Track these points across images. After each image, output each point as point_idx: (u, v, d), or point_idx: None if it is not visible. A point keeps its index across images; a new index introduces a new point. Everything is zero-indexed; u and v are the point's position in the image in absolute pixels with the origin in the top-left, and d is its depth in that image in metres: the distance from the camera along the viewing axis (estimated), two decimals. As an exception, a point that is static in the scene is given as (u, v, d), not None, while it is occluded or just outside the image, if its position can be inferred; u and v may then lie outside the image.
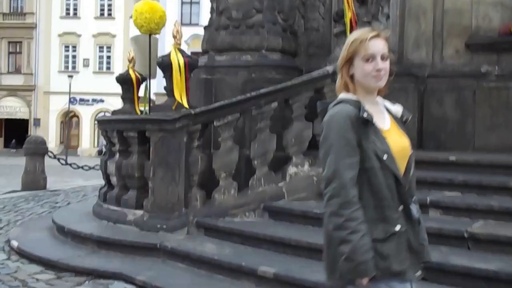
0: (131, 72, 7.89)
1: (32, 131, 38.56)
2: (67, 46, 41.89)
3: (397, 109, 2.42)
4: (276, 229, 5.48)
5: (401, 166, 2.27)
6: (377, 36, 2.27)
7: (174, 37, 6.07)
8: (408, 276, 2.23)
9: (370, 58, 2.24)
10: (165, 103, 6.27)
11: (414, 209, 2.29)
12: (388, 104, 2.41)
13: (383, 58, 2.26)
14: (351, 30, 6.02)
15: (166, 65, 6.04)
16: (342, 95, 2.31)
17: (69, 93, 35.49)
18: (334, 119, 2.22)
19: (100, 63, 41.42)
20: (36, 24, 41.13)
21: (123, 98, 8.04)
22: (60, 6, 41.51)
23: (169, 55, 6.08)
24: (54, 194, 11.80)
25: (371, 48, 2.25)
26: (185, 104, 5.97)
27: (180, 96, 5.95)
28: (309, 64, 7.57)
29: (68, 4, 41.84)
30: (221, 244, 5.48)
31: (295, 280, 4.44)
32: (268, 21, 7.19)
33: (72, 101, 37.65)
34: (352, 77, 2.30)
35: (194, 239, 5.72)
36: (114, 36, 40.80)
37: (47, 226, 7.02)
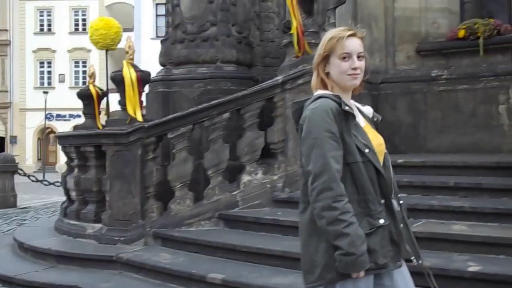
0: (91, 87, 8.00)
1: (9, 149, 38.24)
2: (42, 62, 41.68)
3: (369, 110, 2.49)
4: (229, 236, 5.62)
5: (380, 162, 2.32)
6: (353, 35, 2.31)
7: (126, 52, 6.21)
8: (391, 268, 2.26)
9: (346, 57, 2.27)
10: (119, 117, 6.39)
11: (396, 203, 2.33)
12: (358, 105, 2.45)
13: (359, 57, 2.30)
14: (298, 41, 6.20)
15: (118, 80, 6.16)
16: (320, 92, 2.33)
17: (45, 109, 35.31)
18: (316, 113, 2.22)
19: (76, 78, 41.24)
20: (10, 41, 40.87)
21: (84, 113, 8.14)
22: (34, 22, 41.34)
23: (121, 70, 6.21)
24: (24, 211, 11.81)
25: (347, 46, 2.28)
26: (139, 118, 6.10)
27: (134, 110, 6.07)
28: (265, 75, 7.75)
29: (42, 20, 41.67)
30: (176, 254, 5.60)
31: (242, 285, 4.57)
32: (223, 34, 7.36)
33: (48, 117, 37.43)
34: (327, 74, 2.33)
35: (150, 249, 5.83)
36: (89, 50, 40.61)
37: (9, 243, 7.07)
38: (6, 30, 40.99)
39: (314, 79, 2.39)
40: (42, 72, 41.61)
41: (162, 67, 7.69)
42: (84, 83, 40.50)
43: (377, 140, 2.35)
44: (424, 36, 7.98)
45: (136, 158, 6.06)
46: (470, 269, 4.11)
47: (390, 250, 2.25)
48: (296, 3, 6.32)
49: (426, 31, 7.97)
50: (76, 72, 41.31)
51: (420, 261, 2.38)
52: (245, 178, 6.21)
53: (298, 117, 2.36)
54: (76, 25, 41.86)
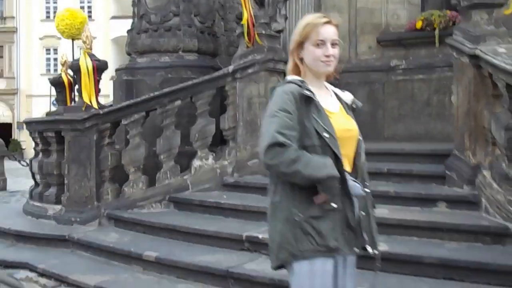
0: (63, 75, 8.31)
1: (16, 135, 38.84)
2: (48, 49, 42.07)
3: (347, 96, 2.54)
4: (173, 217, 5.91)
5: (348, 149, 2.35)
6: (328, 22, 2.34)
7: (84, 42, 6.49)
8: (344, 252, 2.29)
9: (320, 44, 2.32)
10: (76, 104, 6.69)
11: (359, 188, 2.33)
12: (338, 91, 2.52)
13: (333, 44, 2.34)
14: (248, 32, 6.44)
15: (76, 69, 6.46)
16: (289, 77, 2.39)
17: (50, 95, 35.74)
18: (277, 94, 2.29)
19: (83, 64, 41.61)
20: (16, 28, 41.29)
21: (57, 100, 8.46)
22: (40, 9, 41.71)
23: (78, 59, 6.50)
24: (12, 195, 12.17)
25: (322, 33, 2.32)
26: (95, 105, 6.38)
27: (89, 97, 6.35)
28: (229, 63, 7.99)
29: (48, 7, 42.01)
30: (124, 233, 5.92)
31: (172, 261, 4.88)
32: (185, 24, 7.61)
33: (54, 103, 37.86)
34: (302, 60, 2.37)
35: (102, 230, 6.15)
36: (94, 37, 40.91)
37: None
38: (13, 17, 41.41)
39: (289, 64, 2.43)
40: (48, 59, 42.03)
41: (128, 56, 7.95)
42: (89, 69, 40.97)
43: (347, 126, 2.39)
44: (385, 27, 8.18)
45: (92, 143, 6.37)
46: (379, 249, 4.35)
47: (342, 234, 2.28)
48: (247, -6, 6.55)
49: (386, 22, 8.18)
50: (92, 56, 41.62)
51: (375, 251, 2.40)
52: (196, 163, 6.50)
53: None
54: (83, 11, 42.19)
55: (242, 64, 6.44)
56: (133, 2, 7.99)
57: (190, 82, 6.48)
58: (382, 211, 5.04)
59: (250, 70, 6.46)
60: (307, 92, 2.27)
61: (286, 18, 7.03)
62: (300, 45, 2.35)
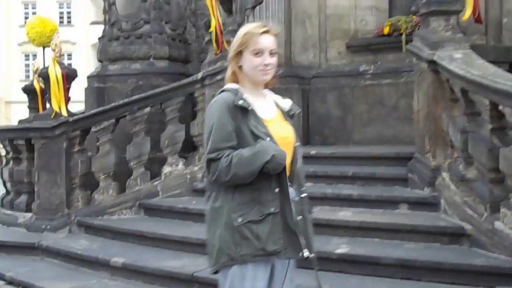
0: (35, 82, 8.33)
1: (-5, 142, 38.45)
2: (27, 55, 41.78)
3: (286, 103, 2.54)
4: (142, 223, 5.97)
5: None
6: (267, 31, 2.38)
7: (53, 50, 6.53)
8: (283, 255, 2.34)
9: (259, 52, 2.35)
10: (46, 112, 6.72)
11: (296, 194, 2.41)
12: (277, 98, 2.53)
13: (271, 53, 2.37)
14: (217, 39, 6.52)
15: (45, 77, 6.49)
16: (226, 85, 2.43)
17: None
18: (213, 106, 2.35)
19: (62, 71, 41.42)
20: (-5, 35, 41.01)
21: (29, 107, 8.47)
22: (18, 15, 41.45)
23: (48, 67, 6.54)
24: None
25: (261, 42, 2.35)
26: (64, 113, 6.42)
27: (59, 105, 6.39)
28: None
29: (27, 13, 41.72)
30: (93, 240, 5.97)
31: (139, 267, 4.96)
32: (155, 31, 7.69)
33: (33, 110, 37.60)
34: (240, 68, 2.41)
35: (72, 237, 6.20)
36: (74, 43, 40.86)
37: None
38: (-9, 24, 41.12)
39: (228, 72, 2.47)
40: (27, 65, 41.68)
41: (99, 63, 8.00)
42: (69, 76, 40.79)
43: (283, 133, 2.42)
44: (354, 32, 8.32)
45: (61, 150, 6.41)
46: (338, 251, 4.48)
47: (281, 238, 2.32)
48: (215, 2, 6.64)
49: (355, 28, 8.32)
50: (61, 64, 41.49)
51: (311, 255, 2.44)
52: (166, 169, 6.57)
53: None
54: (61, 17, 41.99)
55: (211, 71, 6.52)
56: (104, 9, 8.05)
57: (159, 89, 6.56)
58: (346, 214, 5.19)
59: (218, 77, 6.51)
60: (241, 102, 2.32)
61: (254, 25, 7.11)
62: (239, 53, 2.38)
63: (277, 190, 2.34)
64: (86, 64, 34.29)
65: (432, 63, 5.06)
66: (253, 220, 2.30)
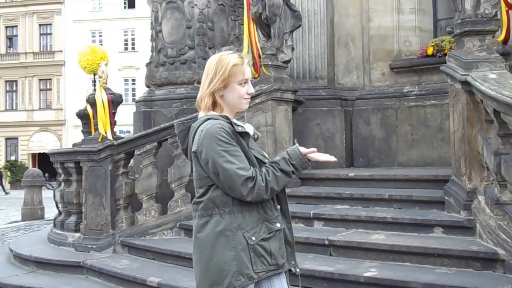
0: (88, 108, 8.70)
1: (63, 164, 40.04)
2: (94, 81, 43.46)
3: (250, 127, 2.58)
4: (182, 244, 6.09)
5: None
6: (245, 60, 2.46)
7: (100, 77, 6.86)
8: (287, 267, 2.50)
9: (244, 82, 2.44)
10: (93, 136, 7.03)
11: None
12: (239, 123, 2.52)
13: (250, 82, 2.48)
14: (255, 64, 6.65)
15: (92, 103, 6.82)
16: (209, 113, 2.45)
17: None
18: (213, 129, 2.33)
19: (126, 95, 42.89)
20: (64, 61, 43.00)
21: (83, 132, 8.86)
22: (87, 43, 43.28)
23: (95, 93, 6.86)
24: (48, 223, 12.65)
25: (246, 73, 2.44)
26: (109, 136, 6.70)
27: (105, 129, 6.68)
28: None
29: (94, 40, 43.64)
30: (135, 260, 6.16)
31: (172, 287, 5.06)
32: (199, 56, 7.92)
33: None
34: (222, 97, 2.44)
35: (115, 256, 6.41)
36: (138, 69, 42.30)
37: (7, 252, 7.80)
38: (61, 51, 43.18)
39: (207, 101, 2.45)
40: (95, 90, 43.40)
41: (147, 88, 8.30)
42: (133, 99, 42.20)
43: (264, 154, 2.56)
44: (397, 53, 8.27)
45: (107, 173, 6.67)
46: (366, 274, 4.44)
47: (285, 252, 2.47)
48: (254, 28, 6.80)
49: (398, 49, 8.26)
50: (126, 89, 42.99)
51: (298, 270, 2.57)
52: (206, 191, 6.68)
53: (184, 138, 2.56)
54: (126, 44, 43.66)
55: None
56: (151, 37, 8.36)
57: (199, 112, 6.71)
58: (378, 237, 5.13)
59: (257, 100, 6.66)
60: (241, 129, 2.40)
61: (293, 49, 7.22)
62: (225, 83, 2.43)
63: (279, 206, 2.49)
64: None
65: (465, 84, 4.98)
66: (264, 237, 2.39)
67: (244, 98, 2.48)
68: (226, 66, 2.43)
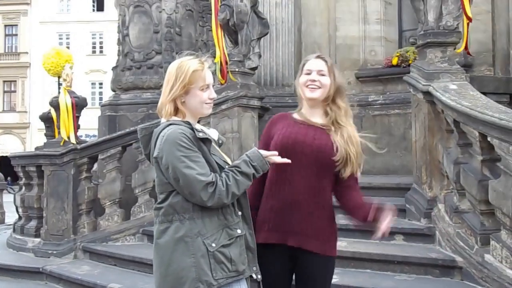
0: (52, 111, 8.56)
1: (27, 168, 39.27)
2: (60, 84, 42.80)
3: (214, 132, 2.59)
4: (144, 250, 6.01)
5: None
6: (206, 66, 2.45)
7: (64, 80, 6.76)
8: (248, 273, 2.45)
9: (205, 88, 2.43)
10: (56, 139, 6.92)
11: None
12: (204, 128, 2.54)
13: (212, 86, 2.48)
14: (221, 69, 6.66)
15: (55, 105, 6.71)
16: (171, 119, 2.41)
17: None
18: (174, 135, 2.29)
19: (93, 99, 42.36)
20: (30, 63, 42.28)
21: (46, 135, 8.70)
22: (52, 44, 42.65)
23: (58, 96, 6.76)
24: (8, 228, 12.36)
25: (207, 78, 2.43)
26: (73, 140, 6.61)
27: (68, 133, 6.59)
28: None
29: (61, 43, 43.02)
30: (96, 266, 6.08)
31: (134, 293, 5.02)
32: (166, 62, 7.86)
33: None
34: (183, 103, 2.42)
35: (75, 262, 6.32)
36: (105, 72, 41.84)
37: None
38: (26, 53, 42.46)
39: (169, 108, 2.43)
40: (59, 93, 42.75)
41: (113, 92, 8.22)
42: (100, 103, 41.69)
43: (226, 159, 2.54)
44: (363, 63, 8.38)
45: (69, 177, 6.58)
46: (328, 281, 4.45)
47: (245, 258, 2.44)
48: (221, 34, 6.80)
49: (364, 58, 8.37)
50: (93, 93, 42.48)
51: (253, 268, 2.52)
52: (170, 196, 6.64)
53: (147, 143, 2.49)
54: (94, 47, 43.20)
55: (216, 100, 6.61)
56: (118, 40, 8.29)
57: (164, 118, 6.68)
58: (340, 244, 5.13)
59: (223, 106, 6.66)
60: (202, 135, 2.37)
61: (260, 56, 7.25)
62: (186, 89, 2.41)
63: (240, 213, 2.46)
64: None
65: (427, 94, 5.08)
66: (225, 244, 2.36)
67: (206, 103, 2.47)
68: (187, 72, 2.40)
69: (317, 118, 2.77)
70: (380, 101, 7.99)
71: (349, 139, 2.75)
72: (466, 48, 5.44)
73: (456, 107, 4.44)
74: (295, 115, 2.82)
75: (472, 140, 4.43)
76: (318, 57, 2.78)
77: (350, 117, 2.85)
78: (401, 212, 5.48)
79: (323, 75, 2.71)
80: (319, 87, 2.71)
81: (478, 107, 4.27)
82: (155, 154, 2.39)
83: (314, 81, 2.70)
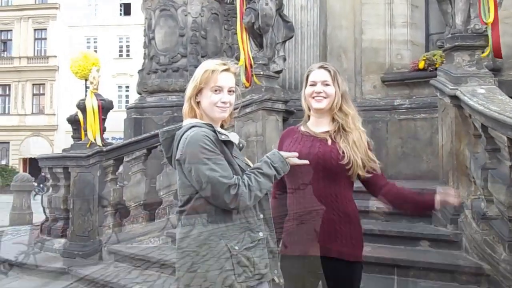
0: (79, 113, 8.68)
1: (54, 169, 39.86)
2: (88, 87, 43.37)
3: (235, 136, 2.55)
4: (166, 252, 6.06)
5: None
6: (227, 69, 2.43)
7: (91, 82, 6.84)
8: (270, 276, 2.43)
9: (218, 90, 2.40)
10: (82, 141, 7.00)
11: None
12: (225, 132, 2.48)
13: (230, 91, 2.43)
14: (246, 73, 6.66)
15: (82, 108, 6.80)
16: (192, 121, 2.41)
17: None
18: (197, 137, 2.28)
19: (120, 102, 42.81)
20: (58, 67, 42.91)
21: (73, 137, 8.82)
22: (81, 48, 43.23)
23: (85, 99, 6.85)
24: (36, 228, 12.55)
25: (220, 80, 2.40)
26: (99, 143, 6.68)
27: (94, 135, 6.66)
28: (236, 102, 8.26)
29: (88, 46, 43.60)
30: (120, 267, 6.13)
31: (154, 294, 5.05)
32: (191, 65, 7.93)
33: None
34: (198, 104, 2.44)
35: (101, 263, 6.37)
36: (132, 76, 42.26)
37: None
38: (55, 56, 43.10)
39: (186, 107, 2.47)
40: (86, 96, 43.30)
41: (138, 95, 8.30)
42: (127, 106, 42.14)
43: (248, 162, 2.52)
44: (389, 66, 8.30)
45: (95, 179, 6.65)
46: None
47: (267, 261, 2.42)
48: (246, 37, 6.81)
49: (390, 62, 8.29)
50: (120, 96, 42.93)
51: (275, 271, 2.51)
52: (194, 199, 6.67)
53: (169, 146, 2.48)
54: (121, 51, 43.68)
55: (240, 104, 6.62)
56: (144, 44, 8.36)
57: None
58: (365, 249, 5.07)
59: (248, 110, 6.66)
60: (224, 137, 2.36)
61: (284, 59, 7.24)
62: (199, 90, 2.43)
63: (261, 216, 2.44)
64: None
65: (454, 98, 5.01)
66: (247, 247, 2.35)
67: (217, 106, 2.42)
68: (199, 72, 2.44)
69: (325, 126, 2.81)
70: (406, 105, 7.90)
71: (354, 144, 2.76)
72: (497, 51, 5.33)
73: (484, 112, 4.36)
74: (302, 128, 2.86)
75: (500, 145, 4.34)
76: (321, 67, 2.84)
77: (358, 121, 2.91)
78: (427, 218, 5.42)
79: (327, 85, 2.78)
80: (325, 97, 2.77)
81: (507, 111, 4.19)
82: (177, 157, 2.38)
83: (320, 92, 2.76)
